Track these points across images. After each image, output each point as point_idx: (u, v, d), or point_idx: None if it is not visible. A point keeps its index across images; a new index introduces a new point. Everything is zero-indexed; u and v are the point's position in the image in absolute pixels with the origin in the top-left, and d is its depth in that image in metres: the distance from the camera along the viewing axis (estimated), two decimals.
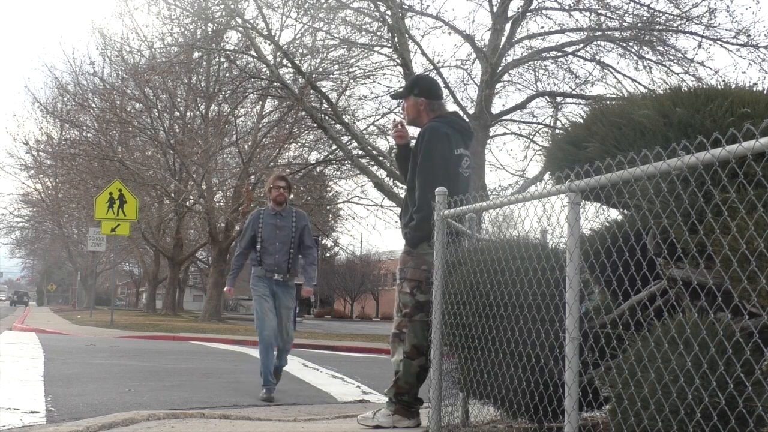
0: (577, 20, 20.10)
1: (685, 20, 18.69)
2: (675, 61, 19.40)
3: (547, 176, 4.78)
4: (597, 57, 20.36)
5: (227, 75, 26.93)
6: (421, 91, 5.05)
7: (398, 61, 19.57)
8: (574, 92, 20.73)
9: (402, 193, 5.29)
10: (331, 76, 23.51)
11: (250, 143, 29.83)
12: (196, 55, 24.48)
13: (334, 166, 29.66)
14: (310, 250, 7.58)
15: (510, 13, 19.65)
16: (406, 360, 4.70)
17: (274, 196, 7.49)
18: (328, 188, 34.40)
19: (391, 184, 20.20)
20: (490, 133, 20.79)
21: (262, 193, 27.91)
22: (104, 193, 20.44)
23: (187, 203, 33.25)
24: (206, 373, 9.62)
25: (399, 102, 18.54)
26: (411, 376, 4.72)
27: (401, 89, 5.32)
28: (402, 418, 4.71)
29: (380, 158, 20.29)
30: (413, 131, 5.21)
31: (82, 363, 10.01)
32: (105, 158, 30.24)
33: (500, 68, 19.67)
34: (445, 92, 20.46)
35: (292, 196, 8.17)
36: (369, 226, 63.65)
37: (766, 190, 2.66)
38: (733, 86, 3.93)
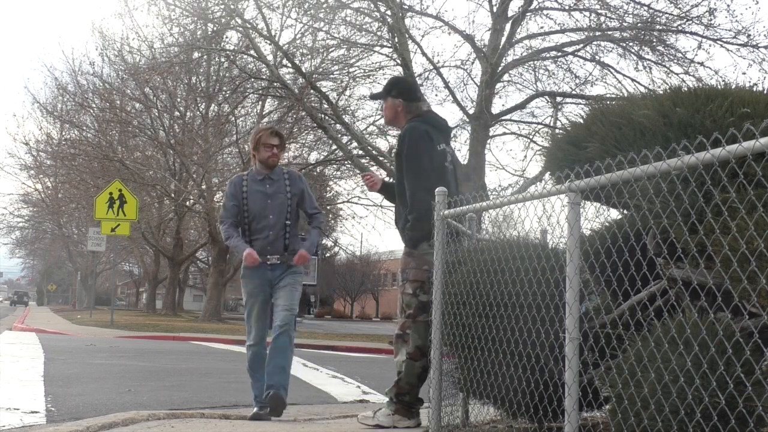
0: (577, 20, 20.13)
1: (685, 20, 18.70)
2: (675, 61, 19.42)
3: (547, 176, 4.80)
4: (597, 57, 20.39)
5: (227, 75, 26.92)
6: (399, 92, 5.11)
7: (398, 61, 19.57)
8: (574, 92, 20.73)
9: None
10: (331, 76, 23.51)
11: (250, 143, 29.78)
12: (196, 55, 24.48)
13: (334, 166, 29.68)
14: (315, 214, 5.82)
15: (510, 13, 19.65)
16: (409, 361, 4.72)
17: (266, 157, 5.64)
18: (328, 188, 34.37)
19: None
20: (490, 133, 20.79)
21: None
22: (104, 193, 20.44)
23: (187, 203, 33.26)
24: (206, 373, 9.62)
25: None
26: (413, 377, 4.73)
27: (380, 91, 5.34)
28: (402, 417, 4.72)
29: (380, 158, 20.29)
30: (396, 128, 5.26)
31: (82, 363, 10.01)
32: (105, 158, 30.25)
33: (500, 68, 19.67)
34: (445, 92, 20.51)
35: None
36: (369, 226, 63.81)
37: (766, 190, 2.66)
38: (733, 86, 3.93)
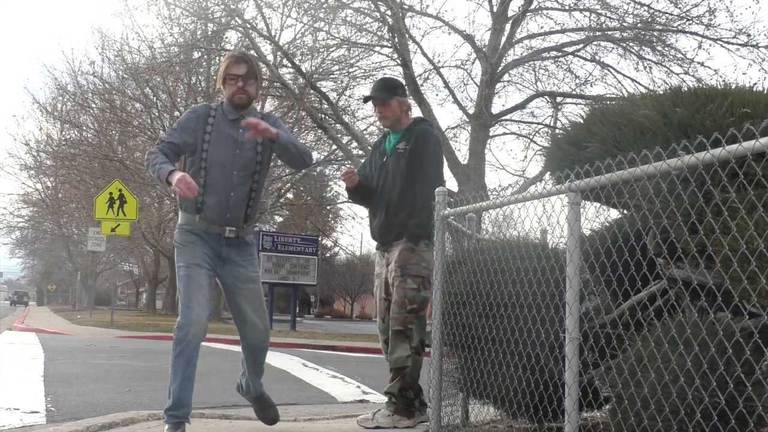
0: (577, 20, 20.12)
1: (685, 20, 18.71)
2: (675, 61, 19.42)
3: (547, 176, 4.79)
4: (597, 57, 20.39)
5: None
6: (404, 91, 5.20)
7: (398, 61, 19.56)
8: (574, 92, 20.73)
9: None
10: (331, 76, 23.51)
11: None
12: (196, 55, 24.49)
13: (334, 166, 29.69)
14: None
15: (510, 13, 19.65)
16: (415, 356, 4.75)
17: (231, 93, 4.19)
18: (328, 188, 34.39)
19: None
20: (490, 133, 20.79)
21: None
22: (104, 193, 20.44)
23: None
24: (206, 373, 9.59)
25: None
26: (417, 371, 4.78)
27: (380, 92, 5.05)
28: (402, 417, 4.72)
29: None
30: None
31: (82, 363, 10.01)
32: (105, 158, 30.26)
33: (500, 68, 19.67)
34: (445, 92, 20.54)
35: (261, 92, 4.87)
36: None
37: (766, 190, 2.66)
38: (733, 86, 3.93)
